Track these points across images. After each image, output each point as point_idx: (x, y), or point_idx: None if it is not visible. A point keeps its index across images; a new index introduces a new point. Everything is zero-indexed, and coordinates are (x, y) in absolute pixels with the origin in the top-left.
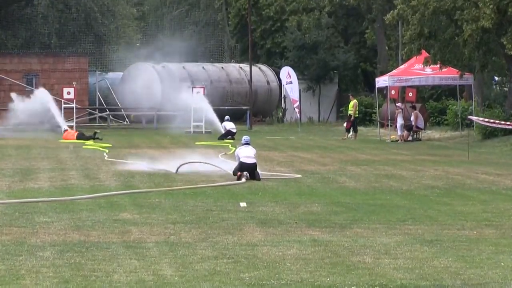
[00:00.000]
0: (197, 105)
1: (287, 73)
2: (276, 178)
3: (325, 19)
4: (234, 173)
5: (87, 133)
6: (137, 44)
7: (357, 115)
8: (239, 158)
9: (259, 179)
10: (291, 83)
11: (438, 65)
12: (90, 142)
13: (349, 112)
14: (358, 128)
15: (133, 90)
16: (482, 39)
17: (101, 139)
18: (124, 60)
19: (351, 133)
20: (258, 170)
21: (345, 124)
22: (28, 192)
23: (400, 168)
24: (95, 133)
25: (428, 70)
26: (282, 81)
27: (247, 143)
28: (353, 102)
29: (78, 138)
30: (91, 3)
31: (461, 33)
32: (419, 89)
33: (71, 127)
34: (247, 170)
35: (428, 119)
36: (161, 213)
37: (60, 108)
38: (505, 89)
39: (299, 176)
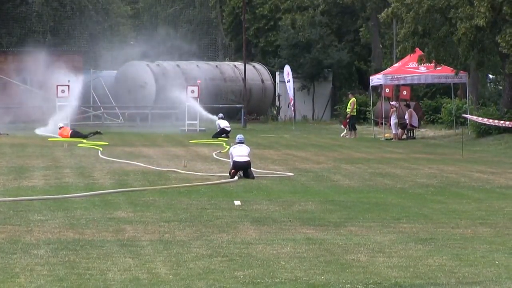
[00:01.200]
0: (191, 103)
1: (287, 72)
2: (270, 176)
3: (318, 17)
4: (229, 172)
5: (82, 132)
6: (132, 42)
7: (355, 113)
8: (232, 157)
9: (253, 178)
10: (289, 81)
11: (433, 63)
12: (84, 140)
13: (347, 110)
14: None
15: (127, 88)
16: (476, 37)
17: (92, 136)
18: (118, 58)
19: (345, 131)
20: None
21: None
22: (23, 190)
23: (394, 166)
24: (96, 132)
25: (422, 68)
26: (284, 79)
27: (241, 142)
28: (351, 100)
29: (72, 136)
30: (85, 1)
31: (455, 31)
32: (413, 87)
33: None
34: (241, 168)
35: (422, 117)
36: (156, 211)
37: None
38: (500, 87)
39: (291, 174)
